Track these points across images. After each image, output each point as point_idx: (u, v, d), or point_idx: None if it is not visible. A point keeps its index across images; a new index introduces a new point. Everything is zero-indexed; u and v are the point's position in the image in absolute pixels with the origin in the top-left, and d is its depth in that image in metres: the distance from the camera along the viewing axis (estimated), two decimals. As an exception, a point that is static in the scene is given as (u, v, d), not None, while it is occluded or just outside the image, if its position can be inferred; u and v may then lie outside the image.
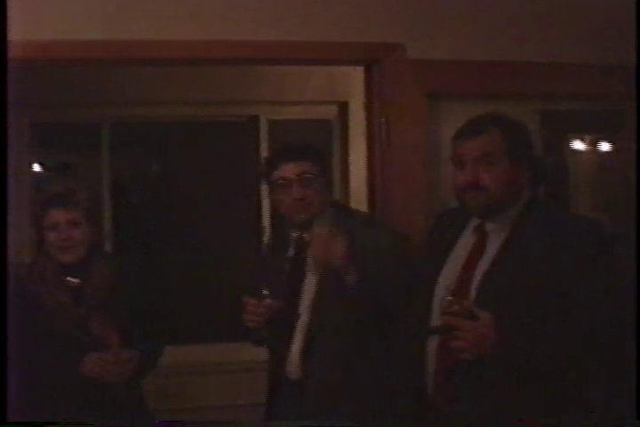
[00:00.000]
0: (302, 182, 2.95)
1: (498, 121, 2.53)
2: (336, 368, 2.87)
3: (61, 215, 2.91)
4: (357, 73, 3.67)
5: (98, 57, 3.28)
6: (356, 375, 2.86)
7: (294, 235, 3.02)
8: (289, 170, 2.95)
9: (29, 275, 2.93)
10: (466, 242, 2.58)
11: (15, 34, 3.00)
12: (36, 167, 5.16)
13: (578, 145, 5.60)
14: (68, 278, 2.89)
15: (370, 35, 3.41)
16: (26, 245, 4.47)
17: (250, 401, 3.77)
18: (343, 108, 4.88)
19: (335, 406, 2.84)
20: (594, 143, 5.40)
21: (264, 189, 4.83)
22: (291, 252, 3.03)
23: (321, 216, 2.86)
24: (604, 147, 5.16)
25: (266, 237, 4.69)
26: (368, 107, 3.59)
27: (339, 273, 2.74)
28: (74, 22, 3.20)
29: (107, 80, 4.50)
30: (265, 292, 2.84)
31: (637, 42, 2.78)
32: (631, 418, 2.36)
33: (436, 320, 2.45)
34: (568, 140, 5.59)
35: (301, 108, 4.97)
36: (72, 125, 5.00)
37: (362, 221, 3.05)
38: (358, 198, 4.11)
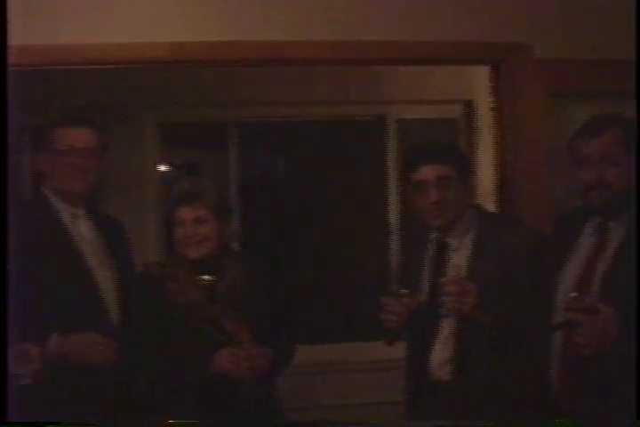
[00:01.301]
0: (440, 185, 2.89)
1: (619, 120, 2.60)
2: (484, 368, 2.83)
3: (189, 213, 2.97)
4: (482, 71, 3.64)
5: (229, 57, 3.34)
6: (497, 375, 2.82)
7: (433, 235, 2.99)
8: (428, 172, 2.90)
9: (163, 274, 2.99)
10: (587, 240, 2.64)
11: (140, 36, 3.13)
12: (165, 167, 5.27)
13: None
14: (202, 277, 2.93)
15: (496, 34, 3.39)
16: (153, 243, 4.62)
17: (383, 400, 3.78)
18: (468, 106, 4.85)
19: (481, 406, 2.79)
20: None
21: (397, 188, 4.90)
22: (430, 252, 3.00)
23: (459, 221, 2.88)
24: None
25: (400, 236, 4.68)
26: (495, 106, 3.56)
27: (474, 318, 2.75)
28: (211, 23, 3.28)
29: (235, 80, 4.57)
30: (403, 291, 2.83)
31: None
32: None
33: (559, 317, 2.49)
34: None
35: (428, 108, 4.94)
36: (200, 125, 5.07)
37: (502, 224, 3.02)
38: (485, 198, 4.08)
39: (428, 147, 3.07)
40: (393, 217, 4.96)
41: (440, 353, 2.89)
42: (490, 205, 3.58)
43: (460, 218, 2.93)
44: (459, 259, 2.93)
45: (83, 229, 3.01)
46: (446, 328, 2.89)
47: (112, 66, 3.36)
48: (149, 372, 2.95)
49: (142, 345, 2.88)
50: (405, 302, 2.81)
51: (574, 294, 2.39)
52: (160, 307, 2.90)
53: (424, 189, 2.90)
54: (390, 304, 2.82)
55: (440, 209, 2.89)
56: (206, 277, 2.93)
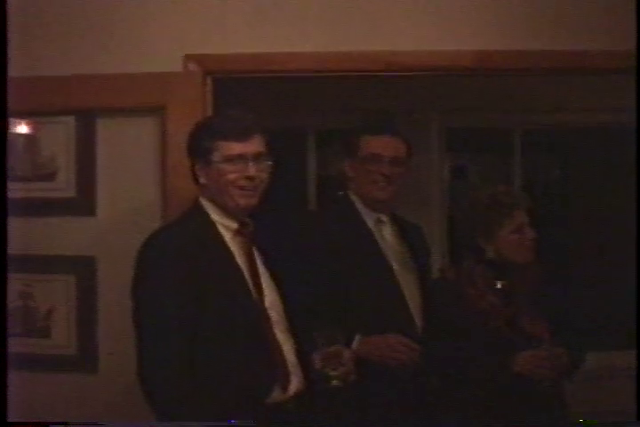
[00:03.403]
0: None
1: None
2: None
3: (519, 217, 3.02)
4: None
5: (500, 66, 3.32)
6: None
7: None
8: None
9: (458, 278, 3.03)
10: None
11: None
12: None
13: None
14: (497, 283, 2.97)
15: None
16: (438, 245, 4.70)
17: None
18: None
19: None
20: None
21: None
22: None
23: None
24: None
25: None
26: None
27: None
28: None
29: (518, 88, 4.60)
30: None
31: None
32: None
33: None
34: None
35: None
36: (485, 130, 5.13)
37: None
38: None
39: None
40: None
41: None
42: None
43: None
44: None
45: (386, 235, 3.09)
46: None
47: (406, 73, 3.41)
48: (444, 372, 2.98)
49: (441, 347, 2.93)
50: None
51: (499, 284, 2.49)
52: (459, 311, 2.95)
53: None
54: None
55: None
56: (499, 282, 2.97)
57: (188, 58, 3.10)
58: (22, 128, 3.09)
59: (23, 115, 3.06)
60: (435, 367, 2.97)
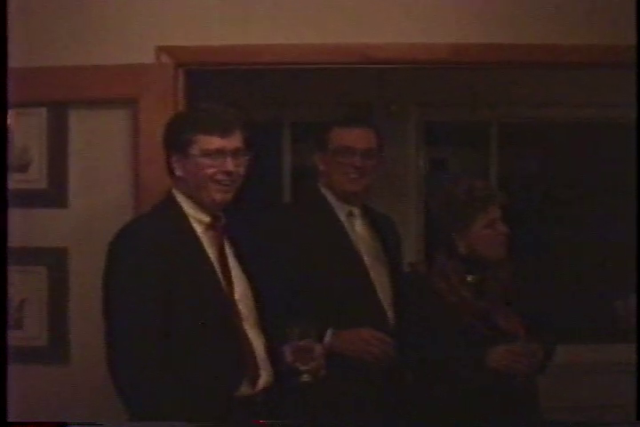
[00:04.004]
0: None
1: None
2: None
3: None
4: None
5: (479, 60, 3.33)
6: None
7: None
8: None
9: (429, 272, 3.02)
10: None
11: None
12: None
13: None
14: (468, 276, 2.98)
15: None
16: (415, 239, 4.70)
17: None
18: None
19: None
20: None
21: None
22: None
23: None
24: None
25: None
26: None
27: None
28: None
29: (498, 81, 4.61)
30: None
31: None
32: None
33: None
34: None
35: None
36: (463, 123, 5.14)
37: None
38: None
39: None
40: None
41: None
42: None
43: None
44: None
45: (358, 227, 3.08)
46: None
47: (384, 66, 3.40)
48: (419, 368, 2.98)
49: (415, 342, 2.92)
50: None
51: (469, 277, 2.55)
52: (431, 305, 2.94)
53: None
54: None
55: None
56: (470, 276, 2.98)
57: (160, 50, 3.10)
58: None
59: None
60: (409, 363, 2.97)
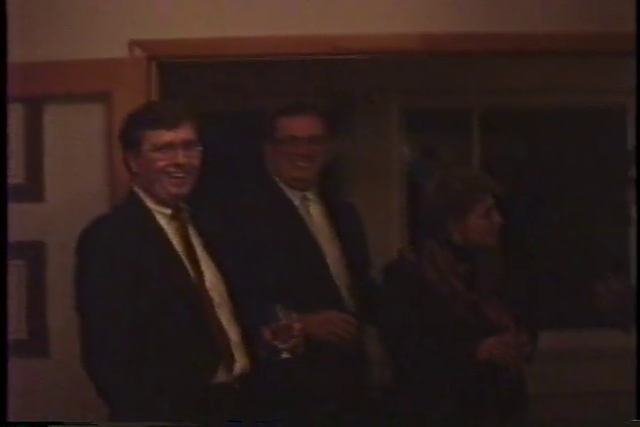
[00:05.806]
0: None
1: None
2: None
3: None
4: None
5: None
6: None
7: None
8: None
9: (418, 260, 2.97)
10: None
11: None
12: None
13: None
14: (460, 266, 2.95)
15: None
16: (398, 227, 4.72)
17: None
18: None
19: None
20: None
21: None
22: None
23: None
24: None
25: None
26: None
27: None
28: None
29: (476, 69, 4.61)
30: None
31: None
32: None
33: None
34: None
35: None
36: (442, 111, 5.16)
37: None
38: None
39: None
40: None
41: None
42: None
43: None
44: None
45: (313, 212, 3.12)
46: None
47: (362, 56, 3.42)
48: (402, 358, 2.95)
49: (400, 331, 2.90)
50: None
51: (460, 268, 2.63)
52: (420, 294, 2.90)
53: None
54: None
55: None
56: (462, 267, 2.95)
57: (133, 43, 3.12)
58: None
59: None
60: (396, 355, 2.98)
